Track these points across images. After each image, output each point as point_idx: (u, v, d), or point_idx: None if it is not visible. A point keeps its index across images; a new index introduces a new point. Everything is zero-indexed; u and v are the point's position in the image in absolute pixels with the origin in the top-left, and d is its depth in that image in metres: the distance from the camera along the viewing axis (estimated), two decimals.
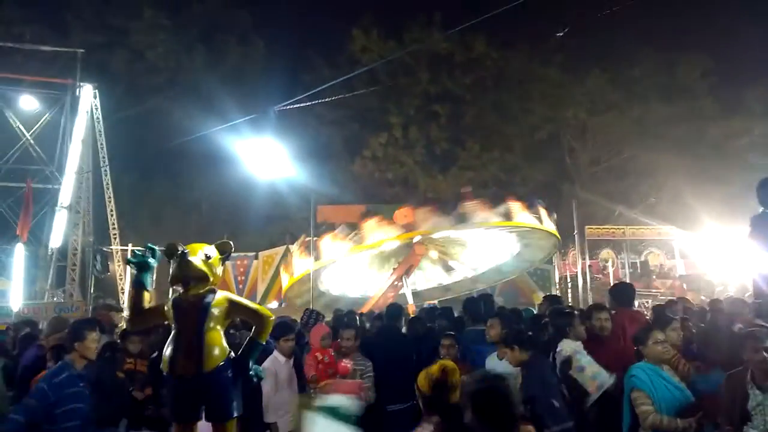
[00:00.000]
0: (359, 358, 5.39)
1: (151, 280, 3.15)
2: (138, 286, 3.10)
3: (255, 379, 3.08)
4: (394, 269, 16.86)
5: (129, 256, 3.09)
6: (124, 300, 21.08)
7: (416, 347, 5.82)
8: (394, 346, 5.74)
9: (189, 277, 2.94)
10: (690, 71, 27.07)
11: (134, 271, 3.12)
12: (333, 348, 5.46)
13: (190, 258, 2.92)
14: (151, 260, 3.12)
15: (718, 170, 24.54)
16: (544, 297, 8.76)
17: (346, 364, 5.18)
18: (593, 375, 4.27)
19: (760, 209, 5.09)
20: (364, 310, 12.85)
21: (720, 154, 25.32)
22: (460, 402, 2.69)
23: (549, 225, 16.85)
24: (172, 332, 2.98)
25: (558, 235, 17.81)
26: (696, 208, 22.58)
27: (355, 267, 18.05)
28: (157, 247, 3.15)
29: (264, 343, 3.14)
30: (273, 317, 3.20)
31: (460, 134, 29.70)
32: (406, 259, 16.60)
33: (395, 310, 7.02)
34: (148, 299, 3.13)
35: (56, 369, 3.99)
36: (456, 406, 2.78)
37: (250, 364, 3.03)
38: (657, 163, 26.37)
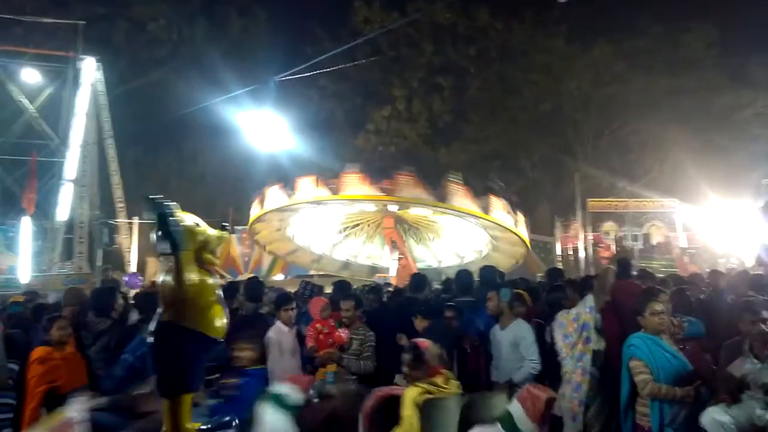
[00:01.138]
0: (360, 327, 5.50)
1: None
2: None
3: None
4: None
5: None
6: (130, 271, 21.38)
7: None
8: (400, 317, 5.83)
9: None
10: (695, 42, 26.76)
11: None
12: (334, 318, 5.60)
13: None
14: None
15: (723, 142, 24.48)
16: (546, 270, 8.90)
17: (341, 333, 5.33)
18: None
19: None
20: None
21: (724, 125, 25.19)
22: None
23: (523, 231, 17.00)
24: None
25: (528, 245, 17.89)
26: (699, 180, 22.60)
27: (326, 223, 18.37)
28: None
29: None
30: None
31: (464, 107, 29.55)
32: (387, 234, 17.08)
33: (419, 280, 6.95)
34: None
35: None
36: None
37: None
38: (661, 135, 26.27)
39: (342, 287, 7.32)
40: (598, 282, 4.77)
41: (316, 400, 5.09)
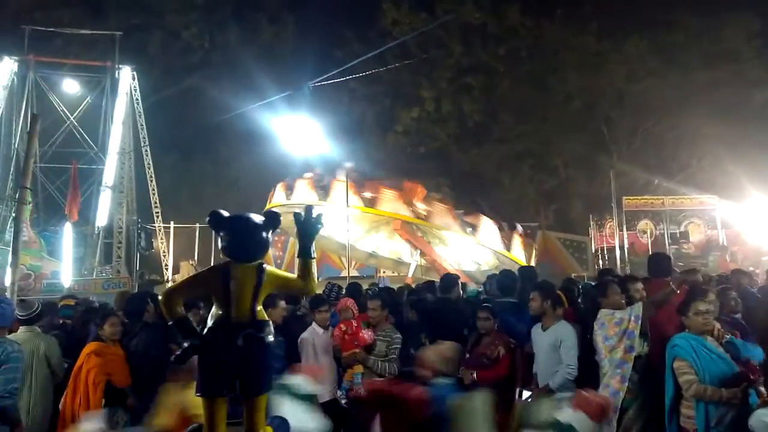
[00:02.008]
0: (387, 329, 5.43)
1: None
2: None
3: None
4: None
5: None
6: (167, 274, 21.83)
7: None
8: (447, 319, 5.78)
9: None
10: (735, 34, 25.97)
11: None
12: (361, 319, 5.60)
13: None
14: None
15: (762, 136, 23.72)
16: (599, 271, 8.77)
17: (364, 335, 5.31)
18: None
19: None
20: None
21: (764, 119, 24.42)
22: None
23: (517, 252, 16.80)
24: None
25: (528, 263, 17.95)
26: (739, 176, 21.94)
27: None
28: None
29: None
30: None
31: (494, 107, 29.31)
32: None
33: (450, 281, 6.86)
34: None
35: None
36: None
37: None
38: (698, 130, 25.59)
39: (353, 290, 7.27)
40: (654, 297, 4.68)
41: (344, 401, 5.06)
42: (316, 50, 27.51)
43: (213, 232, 2.81)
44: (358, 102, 29.48)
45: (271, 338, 2.50)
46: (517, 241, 16.77)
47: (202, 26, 28.88)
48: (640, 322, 4.34)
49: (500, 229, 16.51)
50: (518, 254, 16.77)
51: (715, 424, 3.71)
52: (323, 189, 17.25)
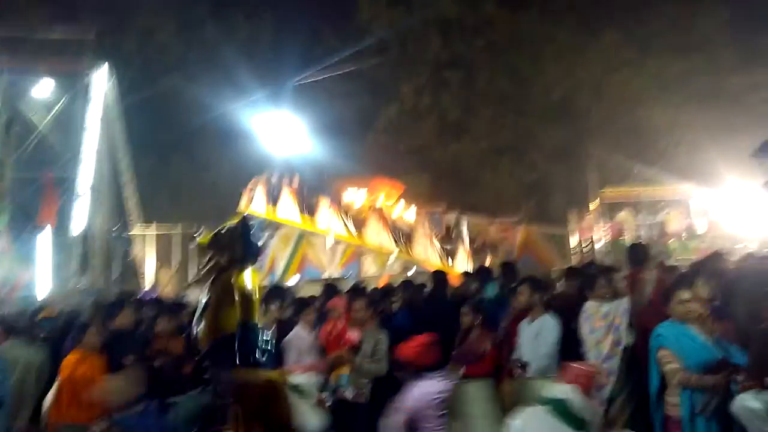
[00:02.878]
0: (373, 329, 5.42)
1: None
2: None
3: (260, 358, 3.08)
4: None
5: None
6: (146, 281, 21.52)
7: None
8: (440, 314, 5.80)
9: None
10: (707, 23, 26.35)
11: None
12: (347, 319, 5.57)
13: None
14: None
15: (738, 123, 24.08)
16: (582, 265, 8.90)
17: (350, 335, 5.29)
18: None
19: None
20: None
21: (739, 106, 24.79)
22: None
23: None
24: None
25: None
26: (716, 163, 22.24)
27: None
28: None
29: (250, 323, 3.06)
30: (255, 297, 3.19)
31: (473, 101, 29.37)
32: None
33: (442, 276, 6.98)
34: None
35: None
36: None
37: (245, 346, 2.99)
38: (674, 119, 25.93)
39: (329, 291, 7.27)
40: (637, 289, 4.70)
41: (329, 404, 5.07)
42: (293, 48, 27.31)
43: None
44: (337, 99, 29.33)
45: None
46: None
47: (178, 26, 28.49)
48: (627, 316, 4.35)
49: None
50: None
51: (700, 411, 3.73)
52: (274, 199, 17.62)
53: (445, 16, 28.82)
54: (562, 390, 2.62)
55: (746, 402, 3.42)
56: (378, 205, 17.39)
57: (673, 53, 26.15)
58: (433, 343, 3.95)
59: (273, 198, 18.43)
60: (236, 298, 3.07)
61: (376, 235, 16.63)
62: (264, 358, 3.12)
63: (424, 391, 3.50)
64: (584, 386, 2.56)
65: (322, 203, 17.53)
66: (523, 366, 4.52)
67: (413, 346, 3.87)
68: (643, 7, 26.50)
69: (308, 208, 17.87)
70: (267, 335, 3.04)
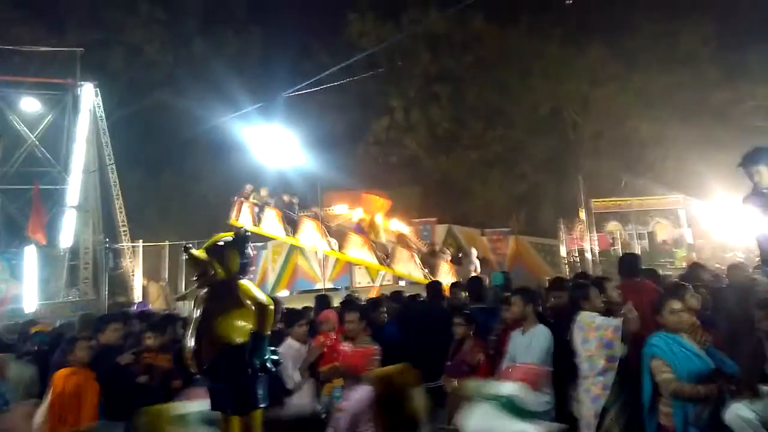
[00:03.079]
0: (366, 341, 5.38)
1: None
2: None
3: (272, 368, 3.08)
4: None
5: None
6: (136, 295, 21.32)
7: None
8: (434, 324, 5.80)
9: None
10: (691, 38, 26.77)
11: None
12: (340, 332, 5.55)
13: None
14: None
15: (723, 136, 24.40)
16: (574, 275, 8.97)
17: (344, 347, 5.25)
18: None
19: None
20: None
21: (725, 119, 25.14)
22: None
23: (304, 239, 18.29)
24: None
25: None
26: (703, 175, 22.52)
27: None
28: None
29: (264, 333, 3.06)
30: (272, 306, 3.17)
31: (462, 114, 29.57)
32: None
33: (437, 286, 7.00)
34: None
35: None
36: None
37: (258, 356, 3.00)
38: (661, 132, 26.25)
39: (321, 302, 7.25)
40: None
41: (324, 416, 5.05)
42: (282, 63, 27.43)
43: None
44: (328, 113, 29.41)
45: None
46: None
47: (166, 40, 28.50)
48: (620, 333, 4.35)
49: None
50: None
51: (693, 421, 3.75)
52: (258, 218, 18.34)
53: (434, 31, 29.07)
54: (508, 387, 2.70)
55: (739, 411, 3.45)
56: (361, 222, 17.42)
57: (659, 68, 26.53)
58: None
59: (257, 217, 18.53)
60: (242, 308, 3.06)
61: (359, 253, 16.69)
62: (275, 369, 3.12)
63: (363, 395, 3.59)
64: (532, 384, 2.67)
65: (305, 222, 17.66)
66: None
67: (356, 356, 4.05)
68: (628, 24, 26.88)
69: (291, 225, 17.92)
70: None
